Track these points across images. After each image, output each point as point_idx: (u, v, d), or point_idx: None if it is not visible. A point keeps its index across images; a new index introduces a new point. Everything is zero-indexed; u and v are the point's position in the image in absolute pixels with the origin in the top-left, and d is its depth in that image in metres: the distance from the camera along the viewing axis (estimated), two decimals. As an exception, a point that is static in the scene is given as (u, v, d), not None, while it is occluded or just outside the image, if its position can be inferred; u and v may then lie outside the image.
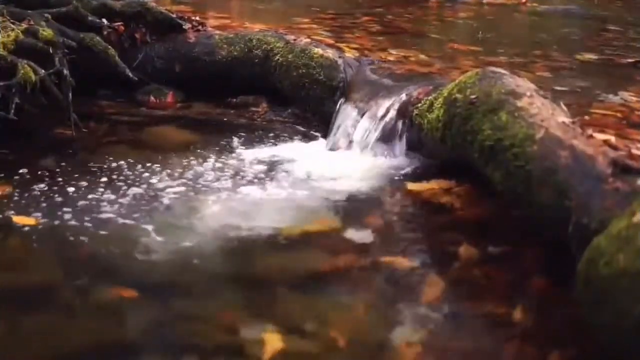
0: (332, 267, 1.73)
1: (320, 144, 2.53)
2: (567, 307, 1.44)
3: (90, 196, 2.02)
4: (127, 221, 1.89)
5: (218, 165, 2.30)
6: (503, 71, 2.03)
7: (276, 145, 2.53)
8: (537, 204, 1.62)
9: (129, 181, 2.14)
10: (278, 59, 2.82)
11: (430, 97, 2.24)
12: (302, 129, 2.70)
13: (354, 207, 2.07)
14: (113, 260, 1.72)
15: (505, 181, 1.73)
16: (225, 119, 2.82)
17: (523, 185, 1.66)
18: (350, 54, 2.94)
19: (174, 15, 3.02)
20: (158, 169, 2.24)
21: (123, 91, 2.92)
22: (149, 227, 1.86)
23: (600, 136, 1.66)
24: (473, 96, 1.95)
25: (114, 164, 2.26)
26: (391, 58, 3.03)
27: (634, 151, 1.55)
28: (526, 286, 1.64)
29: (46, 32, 2.53)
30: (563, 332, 1.48)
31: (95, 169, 2.22)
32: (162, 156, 2.34)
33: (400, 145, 2.36)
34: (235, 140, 2.53)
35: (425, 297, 1.61)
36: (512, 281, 1.68)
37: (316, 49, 2.75)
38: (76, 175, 2.17)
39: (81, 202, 1.98)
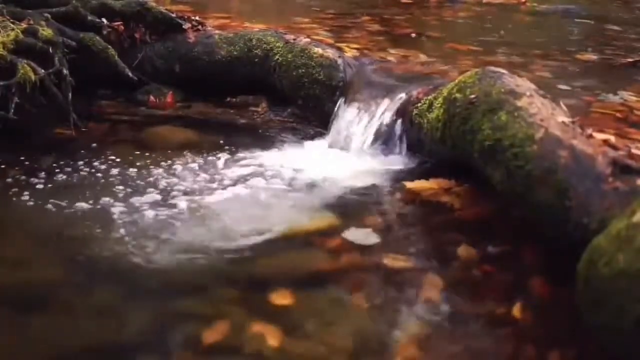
0: (332, 267, 1.73)
1: (320, 143, 2.53)
2: (567, 307, 1.44)
3: (89, 196, 2.02)
4: (127, 221, 1.89)
5: (218, 165, 2.29)
6: (503, 71, 2.03)
7: (276, 145, 2.53)
8: (536, 204, 1.62)
9: (128, 181, 2.14)
10: (278, 59, 2.82)
11: (430, 97, 2.24)
12: (301, 128, 2.70)
13: (353, 207, 2.06)
14: (112, 259, 1.71)
15: (505, 181, 1.73)
16: (225, 119, 2.82)
17: (523, 185, 1.66)
18: (350, 54, 2.93)
19: (174, 15, 3.01)
20: (157, 168, 2.24)
21: (123, 91, 2.92)
22: (149, 227, 1.86)
23: (600, 136, 1.66)
24: (473, 96, 1.95)
25: (113, 164, 2.26)
26: (391, 58, 3.03)
27: (634, 151, 1.55)
28: (526, 286, 1.64)
29: (46, 31, 2.53)
30: (563, 332, 1.47)
31: (94, 169, 2.22)
32: (162, 156, 2.34)
33: (400, 145, 2.36)
34: (235, 140, 2.53)
35: (425, 297, 1.61)
36: (512, 281, 1.68)
37: (316, 49, 2.75)
38: (75, 175, 2.17)
39: (80, 202, 1.98)
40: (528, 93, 1.87)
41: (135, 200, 2.01)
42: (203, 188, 2.12)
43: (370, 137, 2.39)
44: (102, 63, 2.74)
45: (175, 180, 2.16)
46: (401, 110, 2.37)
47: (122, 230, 1.84)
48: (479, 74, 2.02)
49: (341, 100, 2.57)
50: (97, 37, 2.74)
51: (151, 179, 2.16)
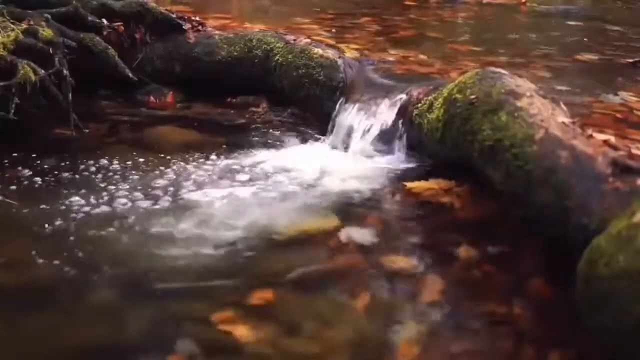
0: (332, 267, 1.73)
1: (320, 144, 2.53)
2: (567, 307, 1.44)
3: (89, 195, 2.02)
4: (127, 221, 1.89)
5: (218, 165, 2.29)
6: (503, 71, 2.03)
7: (276, 145, 2.53)
8: (536, 204, 1.62)
9: (128, 181, 2.14)
10: (278, 59, 2.82)
11: (430, 97, 2.24)
12: (301, 129, 2.70)
13: (354, 207, 2.06)
14: (111, 260, 1.71)
15: (505, 181, 1.73)
16: (225, 119, 2.82)
17: (523, 185, 1.66)
18: (350, 54, 2.94)
19: (174, 15, 3.02)
20: (158, 169, 2.24)
21: (123, 91, 2.92)
22: (149, 228, 1.86)
23: (600, 136, 1.66)
24: (473, 96, 1.95)
25: (113, 164, 2.26)
26: (391, 58, 3.03)
27: (634, 151, 1.54)
28: (526, 286, 1.64)
29: (46, 32, 2.53)
30: (563, 332, 1.48)
31: (94, 169, 2.22)
32: (162, 156, 2.34)
33: (400, 145, 2.36)
34: (235, 141, 2.53)
35: (425, 297, 1.61)
36: (512, 281, 1.68)
37: (316, 49, 2.75)
38: (75, 175, 2.17)
39: (80, 201, 1.98)
40: (528, 93, 1.87)
41: (135, 200, 2.01)
42: (203, 188, 2.12)
43: (371, 138, 2.39)
44: (102, 63, 2.74)
45: (175, 180, 2.16)
46: (401, 111, 2.37)
47: (121, 230, 1.84)
48: (479, 75, 2.02)
49: (341, 101, 2.57)
50: (98, 38, 2.75)
51: (151, 179, 2.16)
